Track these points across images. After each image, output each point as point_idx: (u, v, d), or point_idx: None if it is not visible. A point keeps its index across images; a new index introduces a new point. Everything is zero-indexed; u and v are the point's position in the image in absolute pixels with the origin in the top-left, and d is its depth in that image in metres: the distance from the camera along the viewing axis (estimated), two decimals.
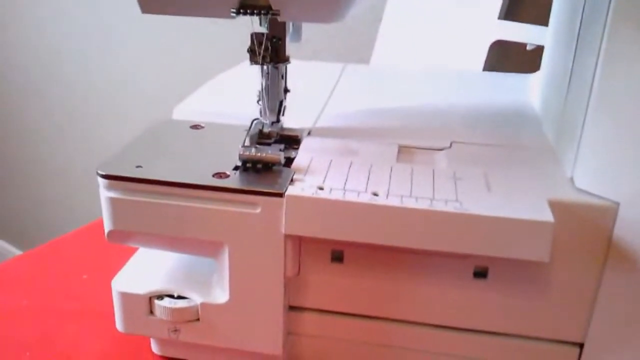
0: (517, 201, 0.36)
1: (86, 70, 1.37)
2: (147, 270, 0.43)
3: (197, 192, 0.38)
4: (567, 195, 0.37)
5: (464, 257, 0.38)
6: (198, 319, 0.40)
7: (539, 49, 0.58)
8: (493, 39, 0.77)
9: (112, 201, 0.39)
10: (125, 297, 0.41)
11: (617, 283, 0.38)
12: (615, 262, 0.37)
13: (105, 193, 0.39)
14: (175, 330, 0.40)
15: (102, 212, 0.39)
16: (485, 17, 0.77)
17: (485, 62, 0.76)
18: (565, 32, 0.45)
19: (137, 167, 0.39)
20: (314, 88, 0.56)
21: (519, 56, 0.77)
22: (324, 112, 0.51)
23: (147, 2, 0.39)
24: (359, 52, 0.89)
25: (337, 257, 0.40)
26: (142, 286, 0.41)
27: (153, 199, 0.38)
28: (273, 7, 0.37)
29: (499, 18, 0.77)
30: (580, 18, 0.41)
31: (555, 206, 0.35)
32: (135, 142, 0.44)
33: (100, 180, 0.39)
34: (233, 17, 0.38)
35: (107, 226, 0.39)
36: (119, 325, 0.42)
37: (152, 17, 0.41)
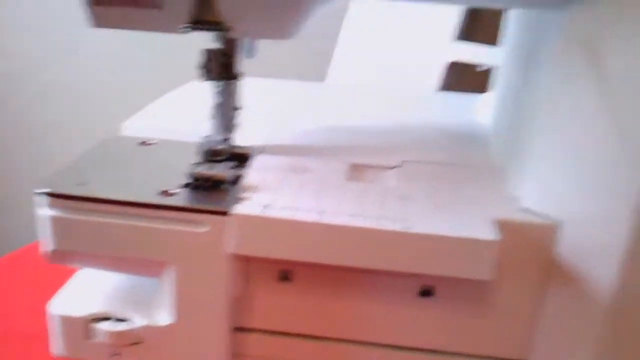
0: (463, 220, 0.36)
1: (40, 76, 1.33)
2: (86, 291, 0.41)
3: (141, 210, 0.37)
4: (513, 214, 0.38)
5: (411, 275, 0.37)
6: (140, 342, 0.39)
7: (491, 70, 0.58)
8: (449, 60, 0.78)
9: (53, 220, 0.37)
10: (63, 320, 0.39)
11: (560, 300, 0.38)
12: (558, 280, 0.37)
13: (45, 211, 0.37)
14: (116, 354, 0.39)
15: (41, 231, 0.38)
16: (441, 38, 0.79)
17: (441, 82, 0.78)
18: (515, 53, 0.45)
19: (80, 184, 0.38)
20: (268, 105, 0.56)
21: (473, 76, 0.78)
22: (277, 129, 0.50)
23: (97, 16, 0.39)
24: (315, 69, 0.89)
25: (285, 276, 0.39)
26: (81, 308, 0.39)
27: (96, 218, 0.37)
28: (225, 23, 0.37)
29: (455, 39, 0.79)
30: (529, 40, 0.42)
31: (500, 225, 0.35)
32: (79, 158, 0.42)
33: (41, 198, 0.37)
34: (184, 33, 0.38)
35: (48, 246, 0.38)
36: (55, 349, 0.40)
37: None
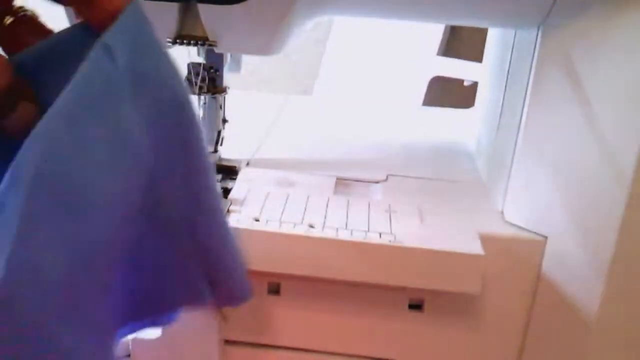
0: (449, 234, 0.36)
1: None
2: None
3: None
4: (497, 228, 0.38)
5: (400, 289, 0.38)
6: (129, 355, 0.39)
7: (476, 85, 0.59)
8: (433, 75, 0.79)
9: None
10: None
11: (547, 313, 0.38)
12: (544, 293, 0.38)
13: None
14: None
15: None
16: (425, 53, 0.80)
17: (425, 96, 0.79)
18: (497, 70, 0.46)
19: None
20: (255, 119, 0.56)
21: (457, 91, 0.79)
22: (264, 143, 0.51)
23: None
24: (303, 83, 0.90)
25: (274, 289, 0.39)
26: None
27: None
28: (209, 38, 0.37)
29: (438, 54, 0.80)
30: (509, 57, 0.43)
31: (485, 239, 0.36)
32: None
33: None
34: (170, 47, 0.38)
35: None
36: None
37: None
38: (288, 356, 0.40)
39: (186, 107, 0.25)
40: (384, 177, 0.45)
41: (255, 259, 0.36)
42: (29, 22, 0.26)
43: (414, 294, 0.38)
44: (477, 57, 0.63)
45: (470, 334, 0.39)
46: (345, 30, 0.82)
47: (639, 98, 0.33)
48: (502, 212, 0.40)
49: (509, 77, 0.43)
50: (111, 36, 0.23)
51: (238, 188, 0.41)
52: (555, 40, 0.36)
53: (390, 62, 0.80)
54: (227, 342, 0.40)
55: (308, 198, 0.40)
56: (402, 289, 0.38)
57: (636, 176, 0.33)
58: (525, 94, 0.38)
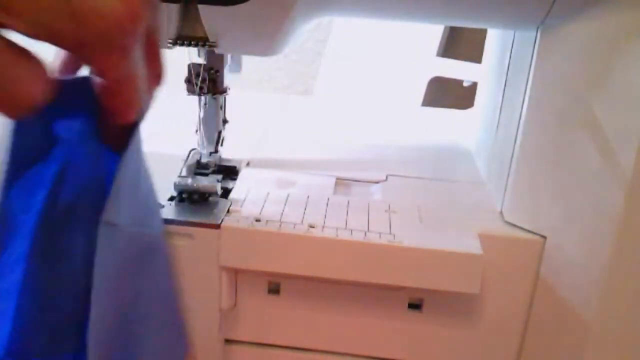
0: (448, 234, 0.36)
1: None
2: None
3: None
4: (497, 228, 0.39)
5: (400, 289, 0.38)
6: None
7: (476, 86, 0.60)
8: (432, 75, 0.79)
9: None
10: None
11: (546, 312, 0.39)
12: (543, 292, 0.38)
13: None
14: None
15: None
16: (424, 54, 0.80)
17: (425, 97, 0.79)
18: (496, 70, 0.47)
19: None
20: (255, 119, 0.56)
21: (456, 92, 0.79)
22: (264, 143, 0.51)
23: None
24: (303, 84, 0.90)
25: (274, 289, 0.39)
26: None
27: None
28: (210, 39, 0.37)
29: (437, 55, 0.80)
30: (509, 58, 0.43)
31: (485, 239, 0.36)
32: None
33: None
34: (170, 48, 0.38)
35: None
36: None
37: None
38: (288, 355, 0.41)
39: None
40: (384, 177, 0.45)
41: (255, 259, 0.36)
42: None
43: (413, 293, 0.39)
44: (476, 57, 0.63)
45: (469, 333, 0.39)
46: (345, 30, 0.82)
47: (638, 98, 0.33)
48: (501, 212, 0.40)
49: (508, 77, 0.43)
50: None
51: (238, 188, 0.41)
52: (554, 40, 0.36)
53: (389, 62, 0.81)
54: (228, 341, 0.40)
55: (308, 198, 0.40)
56: (402, 289, 0.38)
57: (635, 176, 0.33)
58: (525, 94, 0.38)
